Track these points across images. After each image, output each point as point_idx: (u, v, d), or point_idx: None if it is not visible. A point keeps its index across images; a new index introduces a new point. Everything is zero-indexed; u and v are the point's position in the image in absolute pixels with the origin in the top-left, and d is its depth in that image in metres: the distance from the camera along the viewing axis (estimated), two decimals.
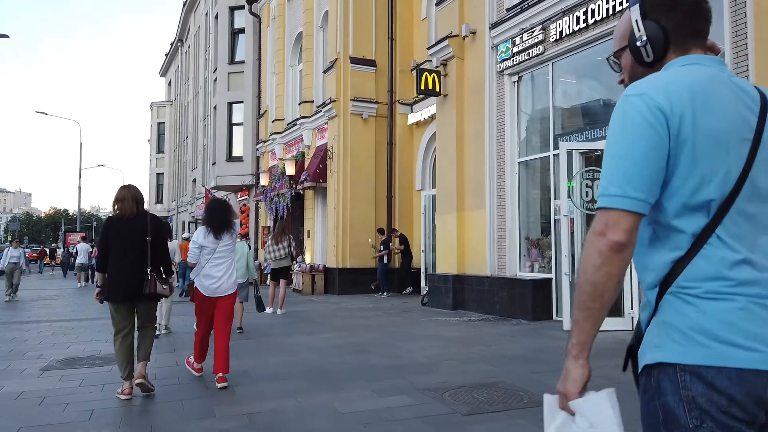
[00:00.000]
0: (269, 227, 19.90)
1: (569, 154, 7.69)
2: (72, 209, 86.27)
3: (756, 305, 1.08)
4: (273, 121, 19.29)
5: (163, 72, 48.05)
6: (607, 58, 1.43)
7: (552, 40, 8.66)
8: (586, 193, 7.54)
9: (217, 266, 5.00)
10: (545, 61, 9.00)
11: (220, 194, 26.04)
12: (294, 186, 16.37)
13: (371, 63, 14.73)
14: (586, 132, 8.29)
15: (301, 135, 17.12)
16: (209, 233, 5.04)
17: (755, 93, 1.20)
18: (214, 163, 23.33)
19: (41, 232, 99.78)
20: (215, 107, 23.29)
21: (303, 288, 14.48)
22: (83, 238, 27.36)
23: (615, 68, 1.40)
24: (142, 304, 4.65)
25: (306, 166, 16.25)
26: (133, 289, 4.49)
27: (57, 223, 75.36)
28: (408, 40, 14.90)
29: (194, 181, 34.06)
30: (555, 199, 8.68)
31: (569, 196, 7.52)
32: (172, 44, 42.35)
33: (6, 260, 14.64)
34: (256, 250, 21.13)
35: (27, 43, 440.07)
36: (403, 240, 13.78)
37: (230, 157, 22.42)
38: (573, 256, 7.51)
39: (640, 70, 1.29)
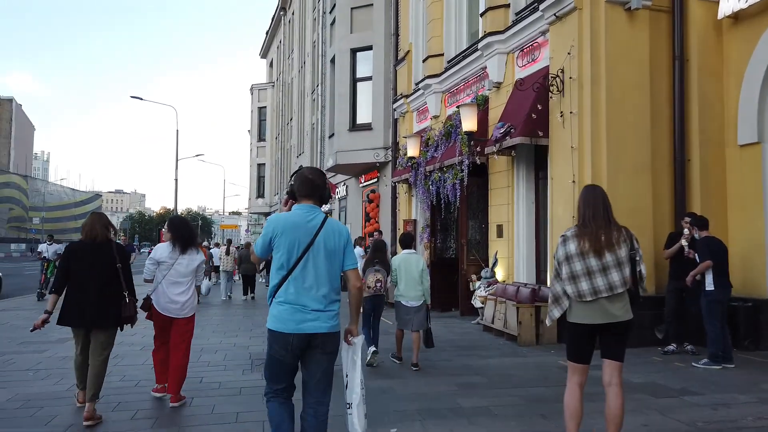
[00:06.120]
0: (415, 220, 13.39)
1: None
2: (179, 208, 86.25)
3: (290, 308, 3.09)
4: (424, 61, 12.74)
5: (264, 53, 43.57)
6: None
7: None
8: None
9: (175, 287, 4.93)
10: None
11: (335, 180, 20.01)
12: (478, 149, 9.69)
13: None
14: None
15: (485, 67, 10.38)
16: (176, 248, 4.97)
17: (318, 224, 3.17)
18: (331, 135, 17.24)
19: (152, 231, 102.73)
20: (333, 59, 17.17)
21: (521, 332, 7.72)
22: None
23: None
24: (103, 332, 4.51)
25: (500, 115, 9.47)
26: (104, 312, 4.46)
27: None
28: None
29: (300, 168, 28.52)
30: None
31: None
32: (272, 18, 37.59)
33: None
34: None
35: (121, 26, 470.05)
36: (712, 244, 6.62)
37: (354, 126, 16.16)
38: None
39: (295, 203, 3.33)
